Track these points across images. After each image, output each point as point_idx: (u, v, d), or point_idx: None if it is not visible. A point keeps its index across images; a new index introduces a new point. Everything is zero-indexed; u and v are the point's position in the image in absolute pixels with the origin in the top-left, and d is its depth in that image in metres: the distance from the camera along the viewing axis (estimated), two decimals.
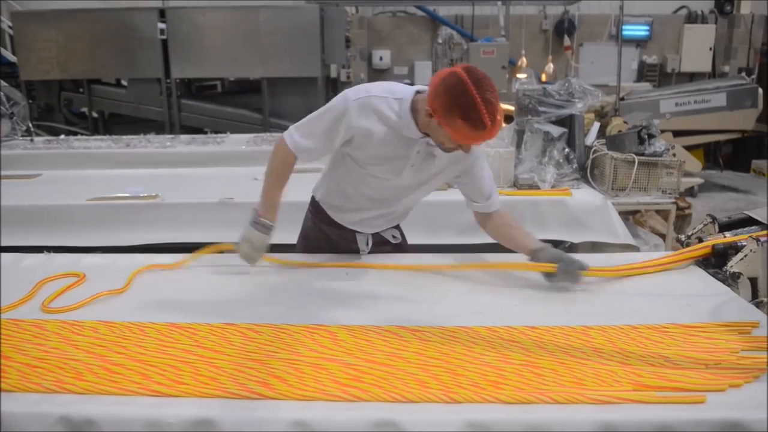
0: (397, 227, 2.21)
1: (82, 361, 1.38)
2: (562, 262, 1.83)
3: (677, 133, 6.58)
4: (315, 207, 2.14)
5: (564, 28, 9.03)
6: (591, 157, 3.43)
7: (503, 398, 1.24)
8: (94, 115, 7.08)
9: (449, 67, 1.75)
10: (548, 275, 1.84)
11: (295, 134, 1.87)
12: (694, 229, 2.20)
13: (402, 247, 2.23)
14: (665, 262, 1.98)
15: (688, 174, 5.71)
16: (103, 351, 1.43)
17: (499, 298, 1.78)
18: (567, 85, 3.45)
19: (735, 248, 1.92)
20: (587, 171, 3.44)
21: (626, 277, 1.91)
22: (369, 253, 2.13)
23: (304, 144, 1.86)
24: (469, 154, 1.83)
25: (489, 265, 2.03)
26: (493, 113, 1.62)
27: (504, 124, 5.95)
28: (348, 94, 1.82)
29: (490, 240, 2.07)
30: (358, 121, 1.79)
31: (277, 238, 2.23)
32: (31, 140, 4.67)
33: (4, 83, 5.02)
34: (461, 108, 1.61)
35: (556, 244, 3.27)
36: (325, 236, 2.13)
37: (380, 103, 1.80)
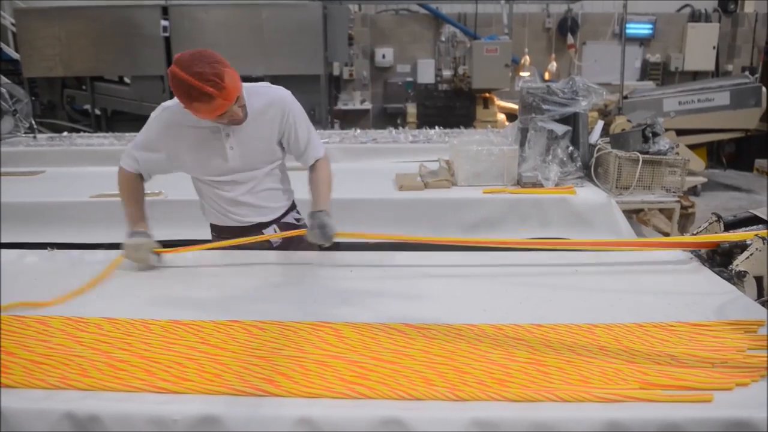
0: (295, 209, 2.28)
1: (87, 358, 1.38)
2: (312, 229, 1.95)
3: (680, 132, 6.58)
4: (214, 229, 2.24)
5: (567, 26, 9.01)
6: (595, 155, 3.42)
7: (509, 396, 1.23)
8: (97, 112, 7.08)
9: None
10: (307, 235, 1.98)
11: (125, 158, 2.13)
12: (699, 227, 2.19)
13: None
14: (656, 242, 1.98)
15: (691, 173, 5.68)
16: (107, 347, 1.42)
17: (504, 295, 1.77)
18: (571, 83, 3.45)
19: (741, 247, 1.91)
20: (591, 169, 3.43)
21: (631, 275, 1.91)
22: (281, 241, 2.19)
23: (136, 160, 2.10)
24: (282, 111, 2.01)
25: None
26: (213, 81, 1.72)
27: (507, 122, 5.94)
28: (151, 117, 2.05)
29: (494, 237, 2.07)
30: (158, 131, 2.01)
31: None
32: (34, 137, 4.68)
33: (6, 80, 5.02)
34: (184, 93, 1.74)
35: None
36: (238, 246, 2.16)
37: (175, 111, 1.95)
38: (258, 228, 2.16)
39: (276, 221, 2.20)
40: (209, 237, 2.16)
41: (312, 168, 2.16)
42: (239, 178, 2.07)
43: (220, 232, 2.19)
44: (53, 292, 1.74)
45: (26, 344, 1.43)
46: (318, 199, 2.06)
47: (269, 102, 2.02)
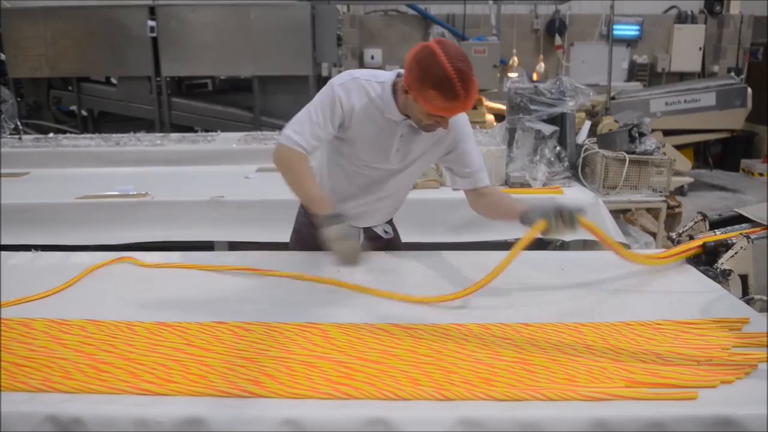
0: (390, 222, 2.20)
1: (70, 360, 1.36)
2: (551, 216, 1.74)
3: (667, 133, 6.63)
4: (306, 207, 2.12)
5: (555, 27, 9.05)
6: (582, 155, 3.44)
7: (495, 395, 1.23)
8: (84, 113, 7.01)
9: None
10: (543, 233, 1.76)
11: (295, 136, 1.83)
12: (685, 226, 2.20)
13: (394, 243, 2.22)
14: (658, 257, 1.98)
15: (678, 173, 5.74)
16: (91, 350, 1.41)
17: (491, 295, 1.77)
18: (558, 83, 3.46)
19: (725, 245, 1.92)
20: (578, 169, 3.45)
21: (617, 274, 1.91)
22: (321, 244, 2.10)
23: (307, 139, 1.83)
24: (452, 131, 1.85)
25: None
26: (467, 83, 1.62)
27: (495, 123, 5.96)
28: (332, 81, 1.85)
29: (482, 239, 2.06)
30: (347, 99, 1.81)
31: (269, 236, 2.22)
32: (20, 138, 4.63)
33: None
34: (432, 78, 1.62)
35: (547, 242, 3.29)
36: (317, 231, 2.12)
37: (364, 84, 1.83)
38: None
39: (367, 229, 2.11)
40: (198, 239, 2.10)
41: (486, 192, 1.99)
42: (381, 178, 1.97)
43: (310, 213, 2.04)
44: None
45: (8, 347, 1.41)
46: (515, 202, 1.96)
47: (451, 120, 1.80)
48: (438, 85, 1.62)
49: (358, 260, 1.75)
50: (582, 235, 3.12)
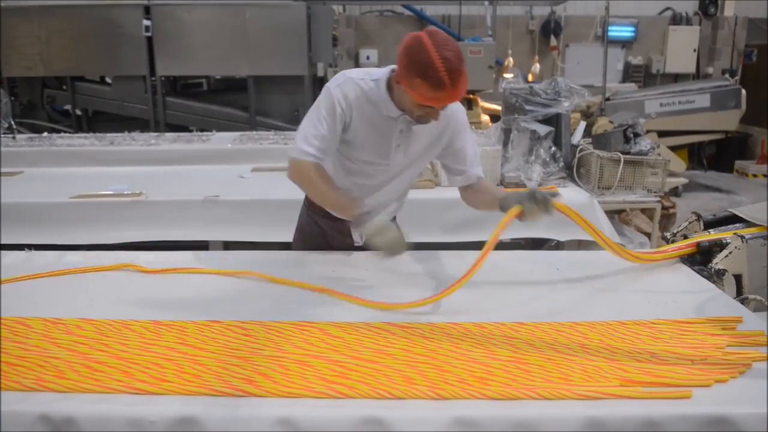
0: (393, 221, 2.19)
1: (63, 359, 1.35)
2: (525, 200, 1.78)
3: (662, 134, 6.65)
4: (310, 200, 2.12)
5: (550, 28, 9.07)
6: (577, 155, 3.44)
7: (490, 394, 1.23)
8: (78, 112, 6.98)
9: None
10: (520, 218, 1.80)
11: (304, 147, 1.82)
12: (680, 226, 2.21)
13: None
14: (652, 256, 1.99)
15: (672, 174, 5.76)
16: (84, 349, 1.40)
17: (486, 294, 1.77)
18: (554, 84, 3.47)
19: (720, 245, 1.93)
20: (573, 170, 3.45)
21: (612, 274, 1.91)
22: (363, 244, 2.09)
23: (317, 147, 1.82)
24: (451, 125, 1.86)
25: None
26: (453, 72, 1.61)
27: (490, 123, 5.96)
28: (328, 84, 1.85)
29: (477, 239, 2.05)
30: (345, 100, 1.81)
31: (264, 235, 2.21)
32: (13, 138, 4.60)
33: None
34: (418, 66, 1.61)
35: (542, 242, 3.30)
36: (321, 230, 2.12)
37: (359, 83, 1.83)
38: (349, 226, 2.05)
39: None
40: (192, 238, 2.09)
41: (477, 185, 2.02)
42: (383, 178, 1.98)
43: (313, 209, 2.09)
44: (34, 294, 1.71)
45: (2, 346, 1.40)
46: (498, 191, 1.99)
47: (449, 111, 1.85)
48: (423, 74, 1.61)
49: (403, 248, 1.77)
50: (577, 235, 3.14)
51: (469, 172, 1.99)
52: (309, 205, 2.13)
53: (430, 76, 1.60)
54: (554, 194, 1.78)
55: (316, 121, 1.83)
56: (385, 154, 1.90)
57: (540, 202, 1.76)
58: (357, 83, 1.83)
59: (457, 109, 1.94)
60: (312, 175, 1.83)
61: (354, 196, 1.89)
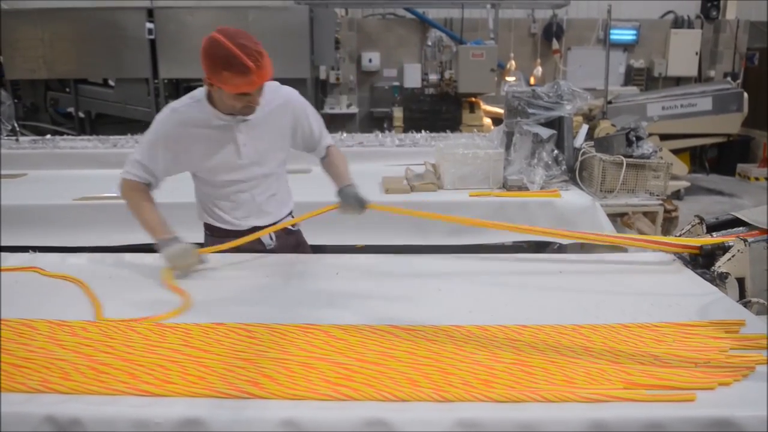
0: (291, 215, 2.27)
1: (69, 361, 1.36)
2: (343, 200, 2.05)
3: (664, 137, 6.65)
4: (209, 229, 2.20)
5: (552, 31, 9.07)
6: (580, 158, 3.44)
7: (494, 397, 1.23)
8: (81, 115, 7.01)
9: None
10: (339, 210, 2.07)
11: (130, 167, 2.00)
12: (682, 230, 2.21)
13: (301, 235, 2.32)
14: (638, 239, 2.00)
15: (674, 177, 5.75)
16: (90, 351, 1.41)
17: (490, 297, 1.77)
18: (556, 87, 3.47)
19: (723, 249, 1.93)
20: (576, 173, 3.45)
21: (615, 277, 1.92)
22: (275, 247, 2.19)
23: (142, 167, 1.98)
24: (288, 108, 2.03)
25: None
26: (253, 55, 1.73)
27: (493, 126, 5.96)
28: (156, 118, 1.99)
29: (479, 241, 2.07)
30: (170, 135, 1.95)
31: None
32: (17, 140, 4.62)
33: None
34: (221, 59, 1.73)
35: (545, 245, 3.30)
36: (233, 249, 2.13)
37: (180, 111, 1.95)
38: (254, 232, 2.11)
39: (273, 225, 2.17)
40: (194, 240, 2.12)
41: (327, 154, 2.23)
42: (250, 176, 2.06)
43: (217, 234, 2.16)
44: (37, 296, 1.71)
45: (7, 348, 1.41)
46: (343, 175, 2.14)
47: (283, 99, 2.05)
48: (228, 65, 1.72)
49: (194, 269, 1.95)
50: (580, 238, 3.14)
51: (320, 146, 2.19)
52: (212, 234, 2.19)
53: (234, 65, 1.72)
54: (367, 201, 2.08)
55: (144, 147, 1.98)
56: (234, 157, 2.00)
57: (357, 203, 2.03)
58: (178, 111, 1.95)
59: (289, 94, 2.07)
60: (131, 195, 2.01)
61: (165, 223, 2.00)
